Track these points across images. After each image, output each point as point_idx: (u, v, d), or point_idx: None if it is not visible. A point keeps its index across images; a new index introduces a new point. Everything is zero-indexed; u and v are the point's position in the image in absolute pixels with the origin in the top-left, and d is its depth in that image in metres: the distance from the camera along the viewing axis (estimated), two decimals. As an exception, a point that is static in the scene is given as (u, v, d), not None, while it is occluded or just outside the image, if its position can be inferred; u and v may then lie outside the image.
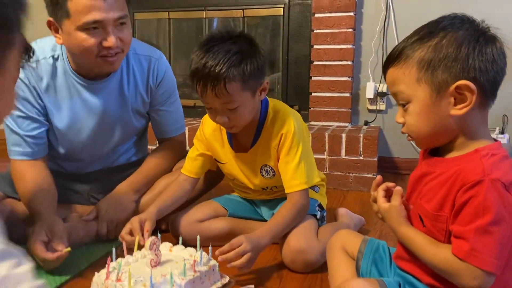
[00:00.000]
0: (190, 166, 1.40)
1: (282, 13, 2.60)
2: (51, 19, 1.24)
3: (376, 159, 2.16)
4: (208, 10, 2.77)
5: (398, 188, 0.86)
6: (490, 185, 0.72)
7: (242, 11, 2.70)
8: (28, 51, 0.73)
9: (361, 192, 2.12)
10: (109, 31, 1.22)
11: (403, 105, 0.82)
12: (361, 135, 2.17)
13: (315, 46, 2.47)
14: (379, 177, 0.91)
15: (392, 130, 2.50)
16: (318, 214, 1.35)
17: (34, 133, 1.34)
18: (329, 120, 2.50)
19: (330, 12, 2.42)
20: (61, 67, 1.34)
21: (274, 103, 1.32)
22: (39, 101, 1.34)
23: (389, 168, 2.49)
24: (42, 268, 1.14)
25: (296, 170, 1.24)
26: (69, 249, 1.12)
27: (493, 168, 0.74)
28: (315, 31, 2.46)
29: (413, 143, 2.33)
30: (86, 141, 1.42)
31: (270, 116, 1.28)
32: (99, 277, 1.01)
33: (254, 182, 1.36)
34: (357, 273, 0.97)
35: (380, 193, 0.88)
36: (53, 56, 1.34)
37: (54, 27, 1.25)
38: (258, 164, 1.32)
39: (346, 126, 2.43)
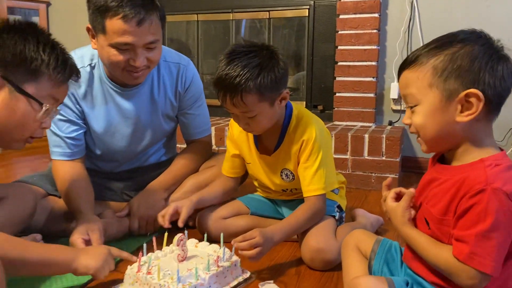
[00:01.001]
0: (227, 167, 1.50)
1: (307, 14, 2.65)
2: (90, 26, 1.34)
3: (398, 159, 2.19)
4: (235, 12, 2.84)
5: (411, 190, 0.92)
6: (492, 193, 0.77)
7: (268, 12, 2.76)
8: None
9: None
10: (138, 52, 1.31)
11: (411, 107, 0.87)
12: (384, 135, 2.20)
13: (339, 47, 2.51)
14: (389, 179, 0.97)
15: (416, 130, 2.50)
16: (337, 215, 1.41)
17: (73, 135, 1.45)
18: (353, 120, 2.54)
19: (355, 13, 2.45)
20: (97, 75, 1.45)
21: (299, 110, 1.38)
22: (77, 106, 1.45)
23: (413, 168, 2.51)
24: None
25: (314, 176, 1.30)
26: None
27: (496, 178, 0.78)
28: (339, 32, 2.50)
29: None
30: (120, 144, 1.53)
31: (293, 123, 1.35)
32: (131, 270, 1.10)
33: (275, 183, 1.43)
34: (369, 271, 1.03)
35: (391, 194, 0.94)
36: (90, 65, 1.44)
37: (91, 33, 1.35)
38: (279, 167, 1.39)
39: (370, 126, 2.46)
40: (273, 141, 1.37)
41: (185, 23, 3.04)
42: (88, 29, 1.34)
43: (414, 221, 0.91)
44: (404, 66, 0.88)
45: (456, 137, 0.85)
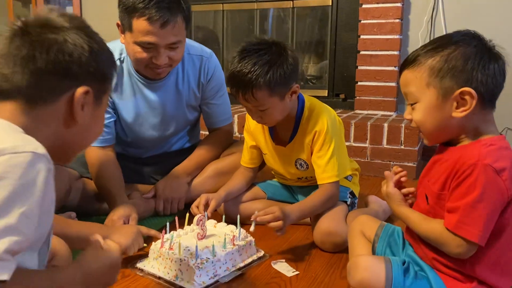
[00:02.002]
0: (246, 158, 1.59)
1: (330, 4, 2.68)
2: (119, 23, 1.44)
3: (417, 148, 2.22)
4: (259, 1, 2.90)
5: (403, 173, 1.05)
6: (482, 168, 0.85)
7: (292, 1, 2.80)
8: None
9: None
10: (160, 51, 1.40)
11: (411, 104, 0.95)
12: (403, 125, 2.23)
13: (362, 36, 2.53)
14: (396, 169, 1.06)
15: (437, 119, 2.51)
16: (349, 201, 1.48)
17: (106, 122, 1.56)
18: (374, 109, 2.57)
19: (378, 3, 2.46)
20: (126, 68, 1.55)
21: (311, 102, 1.44)
22: (109, 97, 1.56)
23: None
24: None
25: (327, 165, 1.38)
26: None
27: (488, 155, 0.86)
28: (362, 21, 2.52)
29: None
30: (147, 132, 1.64)
31: (306, 114, 1.42)
32: (155, 245, 1.22)
33: (290, 172, 1.51)
34: (373, 253, 1.10)
35: (393, 179, 1.04)
36: (119, 59, 1.55)
37: (120, 29, 1.45)
38: (293, 157, 1.47)
39: (391, 115, 2.49)
40: (287, 132, 1.45)
41: (211, 13, 3.12)
42: (118, 25, 1.45)
43: (414, 201, 1.02)
44: (404, 65, 0.95)
45: (454, 130, 0.92)
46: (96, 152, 1.55)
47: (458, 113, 0.89)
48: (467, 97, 0.88)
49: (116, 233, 1.18)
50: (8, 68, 0.71)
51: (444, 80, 0.90)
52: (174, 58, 1.45)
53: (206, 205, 1.41)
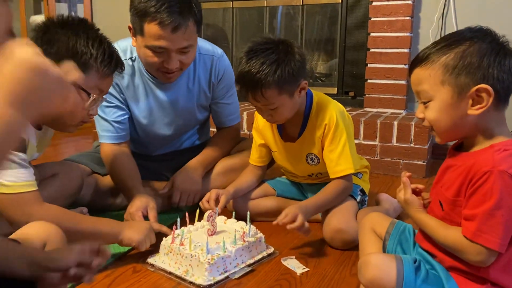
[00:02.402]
0: (255, 156, 1.59)
1: (340, 1, 2.66)
2: (131, 26, 1.44)
3: (427, 146, 2.21)
4: (269, -2, 2.90)
5: (422, 186, 1.03)
6: (498, 175, 0.83)
7: (302, -1, 2.80)
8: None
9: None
10: (171, 56, 1.40)
11: (424, 103, 0.93)
12: (413, 123, 2.22)
13: (372, 34, 2.52)
14: (409, 174, 1.04)
15: (448, 117, 2.50)
16: (359, 198, 1.48)
17: (120, 119, 1.57)
18: (384, 106, 2.56)
19: (388, 0, 2.45)
20: (137, 67, 1.56)
21: (319, 97, 1.45)
22: (122, 95, 1.57)
23: (443, 155, 2.47)
24: None
25: (340, 157, 1.38)
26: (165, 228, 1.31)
27: (503, 161, 0.85)
28: (372, 19, 2.51)
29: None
30: (158, 131, 1.65)
31: (314, 109, 1.42)
32: (166, 241, 1.23)
33: (301, 168, 1.51)
34: (383, 251, 1.10)
35: (410, 188, 1.01)
36: (131, 58, 1.55)
37: (132, 32, 1.46)
38: (304, 152, 1.47)
39: (401, 113, 2.48)
40: (296, 128, 1.45)
41: (220, 10, 3.12)
42: (129, 28, 1.45)
43: (428, 207, 1.00)
44: (416, 64, 0.93)
45: (468, 128, 0.91)
46: (111, 148, 1.56)
47: (474, 111, 0.88)
48: (483, 94, 0.86)
49: (128, 228, 1.20)
50: None
51: (460, 77, 0.88)
52: (185, 62, 1.45)
53: (216, 201, 1.42)
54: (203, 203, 1.41)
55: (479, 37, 0.89)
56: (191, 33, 1.39)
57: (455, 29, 2.39)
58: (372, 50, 2.53)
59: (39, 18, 3.35)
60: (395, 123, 2.25)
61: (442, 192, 0.95)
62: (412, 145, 2.23)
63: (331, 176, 1.41)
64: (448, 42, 0.91)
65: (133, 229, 1.20)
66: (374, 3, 2.49)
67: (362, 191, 1.52)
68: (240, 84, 1.35)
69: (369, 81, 2.57)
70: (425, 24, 2.47)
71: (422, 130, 2.20)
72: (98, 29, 1.19)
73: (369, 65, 2.56)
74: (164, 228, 1.30)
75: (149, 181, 1.67)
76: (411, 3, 2.40)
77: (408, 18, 2.42)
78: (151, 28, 1.35)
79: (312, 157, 1.47)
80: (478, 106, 0.88)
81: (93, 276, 0.76)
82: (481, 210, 0.85)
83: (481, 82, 0.86)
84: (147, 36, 1.37)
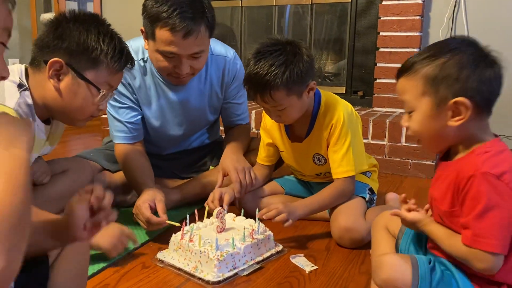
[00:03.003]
0: (262, 155, 1.60)
1: (349, 0, 2.66)
2: (143, 29, 1.44)
3: (436, 146, 2.19)
4: (278, -2, 2.90)
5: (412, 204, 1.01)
6: (481, 177, 0.84)
7: (311, -2, 2.80)
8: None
9: (419, 179, 2.18)
10: (183, 61, 1.39)
11: (409, 112, 0.94)
12: (422, 122, 2.21)
13: (381, 33, 2.51)
14: (403, 196, 1.04)
15: (457, 118, 2.48)
16: (367, 197, 1.48)
17: (133, 120, 1.57)
18: (393, 106, 2.55)
19: (398, 0, 2.44)
20: (149, 68, 1.55)
21: (326, 97, 1.44)
22: (134, 95, 1.57)
23: (452, 155, 2.49)
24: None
25: (343, 159, 1.38)
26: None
27: (484, 163, 0.85)
28: (382, 18, 2.50)
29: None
30: (168, 132, 1.65)
31: (322, 109, 1.42)
32: (175, 237, 1.23)
33: (308, 168, 1.51)
34: (396, 250, 1.09)
35: (406, 208, 1.02)
36: (143, 59, 1.54)
37: (144, 35, 1.45)
38: (310, 152, 1.47)
39: (409, 113, 2.47)
40: (303, 128, 1.45)
41: (229, 9, 3.13)
42: (141, 31, 1.44)
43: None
44: (401, 73, 0.95)
45: (451, 138, 0.92)
46: (124, 147, 1.56)
47: (454, 122, 0.89)
48: (461, 107, 0.87)
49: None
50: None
51: (439, 89, 0.89)
52: (196, 67, 1.45)
53: (220, 199, 1.42)
54: (209, 204, 1.42)
55: (461, 48, 0.90)
56: (202, 38, 1.38)
57: (465, 29, 2.38)
58: (381, 49, 2.52)
59: (49, 16, 3.37)
60: (404, 122, 2.24)
61: (438, 207, 0.95)
62: (420, 145, 2.21)
63: (334, 177, 1.41)
64: (431, 52, 0.91)
65: (101, 235, 1.15)
66: (384, 2, 2.48)
67: (371, 190, 1.52)
68: (248, 86, 1.35)
69: (378, 80, 2.56)
70: (435, 23, 2.46)
71: (432, 130, 2.18)
72: (109, 25, 1.19)
73: (378, 65, 2.55)
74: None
75: (161, 179, 1.68)
76: (421, 2, 2.39)
77: (418, 17, 2.41)
78: (162, 33, 1.34)
79: (319, 157, 1.47)
80: (458, 118, 0.88)
81: (113, 213, 0.77)
82: (473, 216, 0.84)
83: (459, 95, 0.87)
84: (158, 41, 1.37)
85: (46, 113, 1.18)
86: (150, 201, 1.34)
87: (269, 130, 1.55)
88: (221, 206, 1.39)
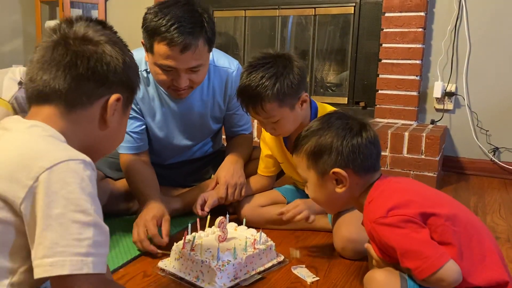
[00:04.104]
0: (261, 166, 1.61)
1: (352, 12, 2.68)
2: (143, 42, 1.43)
3: (437, 158, 2.20)
4: (281, 8, 2.91)
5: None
6: (376, 226, 0.93)
7: (314, 9, 2.81)
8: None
9: (421, 190, 2.18)
10: (181, 75, 1.38)
11: (306, 182, 1.09)
12: (424, 134, 2.21)
13: (384, 45, 2.53)
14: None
15: (459, 129, 2.50)
16: (370, 208, 1.47)
17: (137, 129, 1.56)
18: (394, 117, 2.56)
19: (401, 12, 2.46)
20: (152, 79, 1.54)
21: (323, 109, 1.45)
22: (137, 106, 1.56)
23: (454, 167, 2.50)
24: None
25: None
26: (165, 252, 1.29)
27: (372, 212, 0.96)
28: (384, 30, 2.52)
29: (481, 145, 2.34)
30: (171, 142, 1.65)
31: None
32: (177, 246, 1.23)
33: None
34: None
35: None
36: (146, 70, 1.53)
37: (144, 47, 1.44)
38: None
39: (411, 124, 2.48)
40: None
41: (233, 19, 3.15)
42: (142, 43, 1.44)
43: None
44: (293, 149, 1.11)
45: (344, 200, 1.05)
46: (130, 158, 1.55)
47: (339, 189, 1.02)
48: (340, 176, 0.99)
49: None
50: (50, 74, 0.76)
51: (318, 163, 1.02)
52: (195, 81, 1.44)
53: (204, 204, 1.46)
54: (194, 210, 1.46)
55: (331, 123, 1.03)
56: (201, 53, 1.37)
57: (467, 42, 2.39)
58: (384, 61, 2.54)
59: (54, 23, 3.40)
60: (406, 134, 2.25)
61: (387, 261, 1.00)
62: (423, 156, 2.22)
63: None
64: (313, 129, 1.06)
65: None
66: (387, 14, 2.50)
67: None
68: (241, 99, 1.37)
69: (380, 91, 2.58)
70: (437, 36, 2.48)
71: (433, 142, 2.19)
72: (116, 32, 1.19)
73: (380, 76, 2.56)
74: (158, 237, 1.31)
75: (162, 187, 1.67)
76: (424, 15, 2.41)
77: (420, 29, 2.43)
78: (160, 47, 1.34)
79: None
80: (341, 185, 1.01)
81: None
82: (400, 257, 0.91)
83: (335, 166, 1.00)
84: (156, 54, 1.36)
85: None
86: (158, 218, 1.34)
87: (268, 142, 1.56)
88: (203, 210, 1.45)
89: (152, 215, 1.34)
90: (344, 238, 1.34)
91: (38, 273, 0.64)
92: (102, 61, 0.79)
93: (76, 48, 0.77)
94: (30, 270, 0.67)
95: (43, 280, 0.70)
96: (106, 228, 0.70)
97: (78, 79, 0.77)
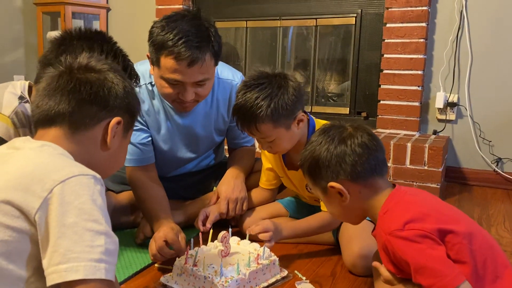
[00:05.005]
0: (263, 180, 1.61)
1: (354, 22, 2.68)
2: (148, 55, 1.42)
3: (441, 169, 2.19)
4: (283, 19, 2.92)
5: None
6: (391, 239, 0.91)
7: (315, 20, 2.82)
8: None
9: (424, 201, 2.16)
10: (187, 88, 1.38)
11: None
12: (427, 145, 2.20)
13: (385, 55, 2.53)
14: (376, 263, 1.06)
15: (461, 140, 2.49)
16: (375, 222, 1.46)
17: (144, 141, 1.54)
18: (396, 128, 2.55)
19: (402, 22, 2.46)
20: (157, 93, 1.53)
21: (320, 126, 1.44)
22: (143, 118, 1.55)
23: (457, 178, 2.49)
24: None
25: None
26: (165, 267, 1.30)
27: (387, 225, 0.93)
28: (386, 41, 2.52)
29: (484, 156, 2.32)
30: (176, 154, 1.64)
31: None
32: (179, 261, 1.21)
33: (306, 194, 1.52)
34: None
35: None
36: (151, 83, 1.53)
37: (150, 61, 1.44)
38: (304, 181, 1.46)
39: (414, 135, 2.47)
40: (298, 157, 1.44)
41: (234, 30, 3.15)
42: (148, 56, 1.43)
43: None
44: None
45: (358, 209, 1.03)
46: (138, 174, 1.52)
47: (345, 202, 1.00)
48: (338, 189, 0.99)
49: None
50: (55, 99, 0.83)
51: (317, 180, 1.04)
52: (201, 94, 1.43)
53: (206, 219, 1.45)
54: (195, 225, 1.45)
55: (317, 140, 1.04)
56: (207, 67, 1.37)
57: (469, 52, 2.39)
58: (385, 71, 2.54)
59: (55, 34, 3.41)
60: (409, 145, 2.23)
61: (398, 274, 0.98)
62: (426, 167, 2.20)
63: (322, 209, 1.42)
64: (307, 147, 1.07)
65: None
66: (388, 25, 2.50)
67: (377, 214, 1.50)
68: (236, 117, 1.37)
69: (381, 102, 2.57)
70: (439, 46, 2.48)
71: (436, 153, 2.18)
72: (115, 43, 1.18)
73: (382, 86, 2.56)
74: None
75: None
76: (425, 25, 2.41)
77: (422, 40, 2.43)
78: (167, 61, 1.33)
79: (311, 188, 1.46)
80: (344, 197, 1.00)
81: None
82: (413, 272, 0.89)
83: (330, 180, 1.00)
84: (163, 68, 1.36)
85: None
86: (176, 232, 1.31)
87: (268, 156, 1.56)
88: (204, 225, 1.43)
89: (170, 229, 1.32)
90: (354, 254, 1.31)
91: (53, 279, 0.67)
92: (104, 86, 0.85)
93: (80, 75, 0.84)
94: (40, 280, 0.70)
95: None
96: (116, 238, 0.73)
97: (81, 103, 0.83)
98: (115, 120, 0.86)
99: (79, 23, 3.61)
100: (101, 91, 0.84)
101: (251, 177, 1.68)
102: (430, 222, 0.89)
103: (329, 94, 2.97)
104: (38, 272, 0.70)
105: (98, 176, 0.76)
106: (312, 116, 1.47)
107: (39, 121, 0.84)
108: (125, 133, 0.91)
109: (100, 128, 0.85)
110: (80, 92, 0.83)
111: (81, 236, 0.68)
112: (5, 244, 0.69)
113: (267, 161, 1.57)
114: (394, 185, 1.01)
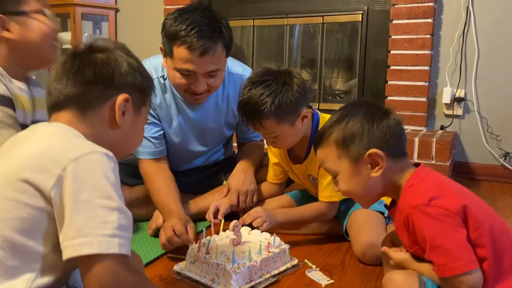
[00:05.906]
0: (270, 173, 1.65)
1: (360, 19, 2.70)
2: (161, 47, 1.46)
3: (448, 163, 2.20)
4: (289, 17, 2.94)
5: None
6: (415, 213, 0.90)
7: (322, 17, 2.84)
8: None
9: (432, 195, 2.17)
10: (199, 79, 1.41)
11: (335, 177, 1.04)
12: (434, 139, 2.22)
13: (392, 51, 2.55)
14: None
15: (469, 135, 2.50)
16: (386, 213, 1.48)
17: (156, 134, 1.58)
18: (404, 123, 2.52)
19: (408, 19, 2.48)
20: (169, 86, 1.57)
21: (325, 120, 1.46)
22: (156, 112, 1.59)
23: (464, 173, 2.49)
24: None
25: (328, 185, 1.41)
26: (176, 256, 1.32)
27: (412, 197, 0.93)
28: (392, 37, 2.54)
29: (491, 150, 2.34)
30: (187, 148, 1.67)
31: None
32: (192, 250, 1.24)
33: (311, 187, 1.55)
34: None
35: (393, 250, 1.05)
36: (163, 76, 1.56)
37: (163, 53, 1.48)
38: (307, 173, 1.51)
39: (421, 130, 2.48)
40: (302, 152, 1.49)
41: (240, 28, 3.18)
42: (160, 49, 1.47)
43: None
44: (316, 145, 1.07)
45: (379, 187, 1.00)
46: (150, 166, 1.56)
47: (375, 173, 0.98)
48: (377, 158, 0.96)
49: None
50: (62, 83, 0.84)
51: (350, 149, 0.99)
52: (213, 85, 1.47)
53: (217, 212, 1.47)
54: (207, 217, 1.47)
55: (355, 110, 1.01)
56: (219, 57, 1.40)
57: (476, 48, 2.41)
58: (392, 67, 2.56)
59: (65, 36, 3.46)
60: (416, 139, 2.25)
61: (413, 253, 0.98)
62: (433, 162, 2.22)
63: (318, 198, 1.45)
64: (334, 119, 1.03)
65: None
66: (394, 21, 2.52)
67: (386, 206, 1.51)
68: (240, 113, 1.40)
69: (389, 98, 2.59)
70: (445, 42, 2.49)
71: (444, 147, 2.19)
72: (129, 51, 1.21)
73: (389, 82, 2.57)
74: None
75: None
76: (432, 21, 2.43)
77: (428, 36, 2.44)
78: (180, 51, 1.37)
79: (313, 178, 1.50)
80: (377, 168, 0.98)
81: None
82: (428, 250, 0.89)
83: (370, 148, 0.97)
84: (176, 58, 1.39)
85: (20, 73, 1.18)
86: (185, 222, 1.33)
87: (274, 151, 1.59)
88: (215, 218, 1.45)
89: (178, 219, 1.34)
90: (364, 244, 1.33)
91: (68, 253, 0.70)
92: (109, 65, 0.85)
93: (83, 57, 0.85)
94: (58, 255, 0.72)
95: (70, 267, 0.76)
96: (130, 213, 0.76)
97: (87, 84, 0.84)
98: (121, 97, 0.85)
99: (88, 25, 3.66)
100: (105, 70, 0.85)
101: (260, 171, 1.71)
102: (455, 199, 0.89)
103: (336, 91, 2.98)
104: (57, 248, 0.72)
105: (111, 153, 0.77)
106: (317, 111, 1.49)
107: (51, 107, 0.86)
108: (137, 110, 0.90)
109: (108, 107, 0.85)
110: (84, 74, 0.83)
111: (95, 213, 0.71)
112: (25, 221, 0.72)
113: (274, 156, 1.60)
114: (418, 164, 1.02)
